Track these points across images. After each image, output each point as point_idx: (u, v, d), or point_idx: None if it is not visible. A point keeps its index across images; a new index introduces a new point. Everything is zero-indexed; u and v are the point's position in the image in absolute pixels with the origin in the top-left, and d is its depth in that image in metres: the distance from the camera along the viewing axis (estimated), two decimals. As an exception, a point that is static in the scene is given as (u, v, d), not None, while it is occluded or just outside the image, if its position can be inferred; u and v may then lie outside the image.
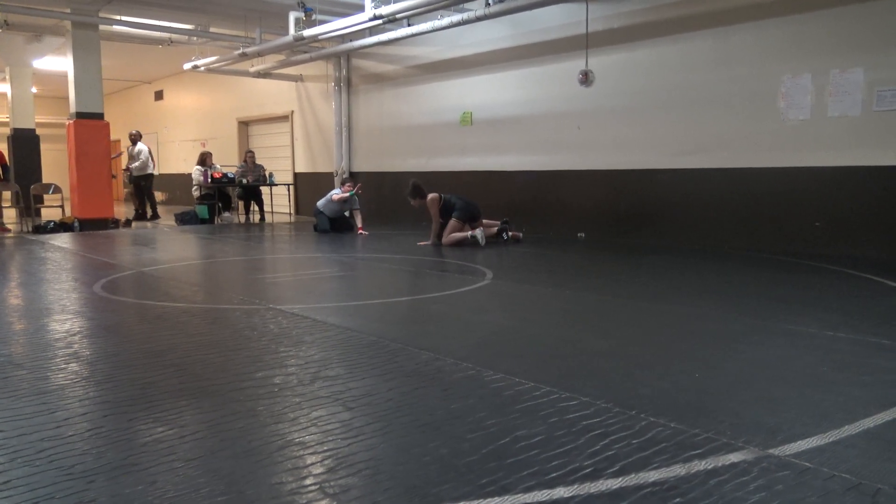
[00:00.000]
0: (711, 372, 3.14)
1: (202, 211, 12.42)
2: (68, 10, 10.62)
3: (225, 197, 13.05)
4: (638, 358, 3.39)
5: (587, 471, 2.08)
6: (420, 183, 8.80)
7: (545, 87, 9.76)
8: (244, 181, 12.77)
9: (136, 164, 13.45)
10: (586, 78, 8.81)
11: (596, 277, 6.16)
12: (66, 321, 4.30)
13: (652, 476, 2.05)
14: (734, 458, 2.17)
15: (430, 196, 8.54)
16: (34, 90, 14.96)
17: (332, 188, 11.03)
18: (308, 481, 2.04)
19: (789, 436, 2.35)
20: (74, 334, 3.96)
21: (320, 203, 10.48)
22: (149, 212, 13.64)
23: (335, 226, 10.39)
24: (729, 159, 7.91)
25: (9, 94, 13.90)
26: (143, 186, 13.64)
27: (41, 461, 2.17)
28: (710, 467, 2.10)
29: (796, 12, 7.28)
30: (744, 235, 7.82)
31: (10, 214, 12.35)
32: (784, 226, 7.52)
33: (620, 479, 2.03)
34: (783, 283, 5.63)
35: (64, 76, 11.46)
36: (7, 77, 13.96)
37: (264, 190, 13.24)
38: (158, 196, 19.80)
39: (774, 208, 7.58)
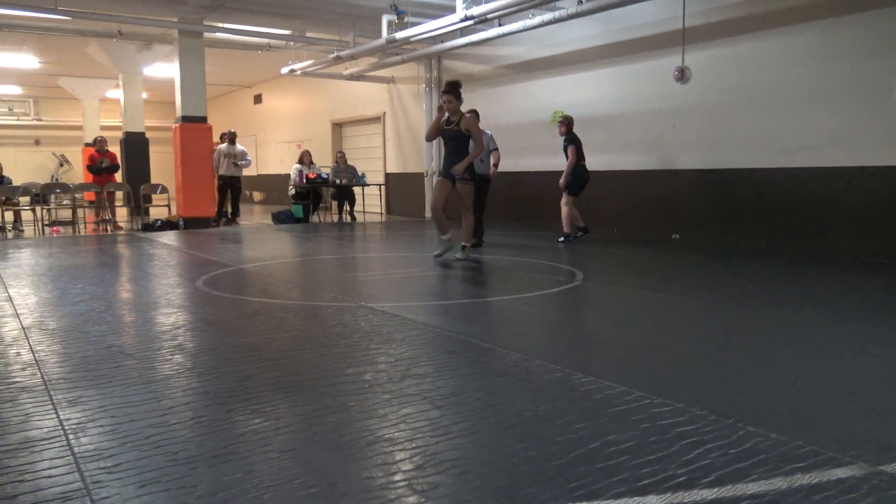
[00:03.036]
0: (815, 381, 2.99)
1: (297, 210, 12.82)
2: (175, 20, 11.20)
3: (317, 197, 13.35)
4: (735, 364, 3.27)
5: (681, 479, 2.02)
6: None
7: (639, 85, 9.53)
8: (337, 181, 13.08)
9: (243, 163, 12.96)
10: (682, 75, 8.54)
11: (691, 280, 5.97)
12: (171, 315, 4.53)
13: (750, 488, 1.96)
14: (841, 473, 2.06)
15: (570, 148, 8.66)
16: (144, 96, 15.86)
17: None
18: (397, 477, 2.07)
19: (903, 452, 2.20)
20: (179, 327, 4.17)
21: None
22: (230, 210, 13.09)
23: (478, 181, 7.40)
24: (837, 157, 7.48)
25: (122, 100, 14.80)
26: (235, 188, 13.19)
27: (148, 446, 2.30)
28: (814, 482, 2.00)
29: (914, 0, 6.82)
30: (855, 239, 7.37)
31: (122, 213, 13.12)
32: (898, 228, 7.05)
33: (716, 489, 1.96)
34: (896, 289, 5.29)
35: (171, 82, 12.08)
36: (120, 83, 14.85)
37: (356, 190, 13.51)
38: (256, 196, 20.63)
39: (890, 209, 7.11)
